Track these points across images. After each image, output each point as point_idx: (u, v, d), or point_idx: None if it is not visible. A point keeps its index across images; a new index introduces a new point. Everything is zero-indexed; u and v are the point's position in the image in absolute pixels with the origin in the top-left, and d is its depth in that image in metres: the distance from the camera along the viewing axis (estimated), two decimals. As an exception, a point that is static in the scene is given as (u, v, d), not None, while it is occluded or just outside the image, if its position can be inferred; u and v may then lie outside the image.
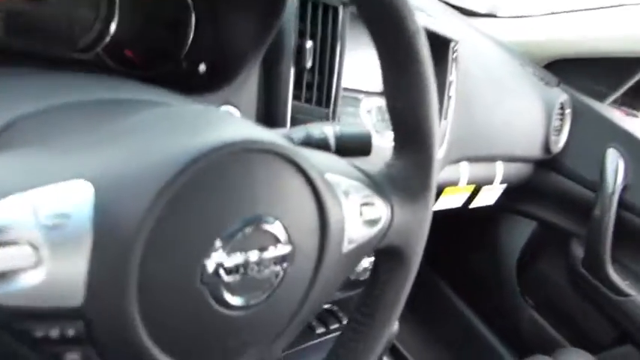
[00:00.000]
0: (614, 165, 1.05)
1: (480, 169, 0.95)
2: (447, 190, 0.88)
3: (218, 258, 0.25)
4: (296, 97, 0.55)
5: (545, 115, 1.05)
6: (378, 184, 0.34)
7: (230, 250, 0.25)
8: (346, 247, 0.31)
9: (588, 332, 1.20)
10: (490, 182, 1.00)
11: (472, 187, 0.95)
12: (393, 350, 0.84)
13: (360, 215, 0.32)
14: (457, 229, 1.38)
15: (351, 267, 0.33)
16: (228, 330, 0.26)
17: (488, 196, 1.05)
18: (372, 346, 0.36)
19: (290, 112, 0.54)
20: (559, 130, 1.10)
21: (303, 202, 0.28)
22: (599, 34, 1.09)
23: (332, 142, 0.45)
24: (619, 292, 1.07)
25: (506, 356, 1.25)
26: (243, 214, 0.26)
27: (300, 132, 0.46)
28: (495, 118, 0.91)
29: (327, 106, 0.58)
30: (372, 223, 0.33)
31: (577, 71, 1.15)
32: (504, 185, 1.07)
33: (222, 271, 0.25)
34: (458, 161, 0.88)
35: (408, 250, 0.36)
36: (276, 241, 0.27)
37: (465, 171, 0.90)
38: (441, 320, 1.33)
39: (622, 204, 1.06)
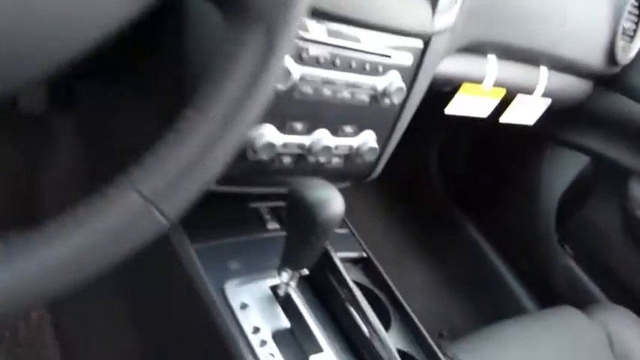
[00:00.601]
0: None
1: (515, 70, 0.76)
2: (465, 86, 0.70)
3: None
4: None
5: (613, 11, 0.82)
6: None
7: None
8: None
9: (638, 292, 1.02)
10: (528, 91, 0.81)
11: (502, 92, 0.76)
12: (385, 286, 0.68)
13: None
14: (488, 158, 1.19)
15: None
16: None
17: (525, 112, 0.85)
18: (207, 144, 0.27)
19: None
20: (631, 36, 0.87)
21: None
22: None
23: None
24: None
25: (530, 307, 1.09)
26: None
27: None
28: (541, -1, 0.71)
29: None
30: None
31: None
32: (548, 101, 0.86)
33: None
34: (483, 51, 0.69)
35: (263, 7, 0.25)
36: None
37: (492, 67, 0.71)
38: (458, 258, 1.17)
39: None
